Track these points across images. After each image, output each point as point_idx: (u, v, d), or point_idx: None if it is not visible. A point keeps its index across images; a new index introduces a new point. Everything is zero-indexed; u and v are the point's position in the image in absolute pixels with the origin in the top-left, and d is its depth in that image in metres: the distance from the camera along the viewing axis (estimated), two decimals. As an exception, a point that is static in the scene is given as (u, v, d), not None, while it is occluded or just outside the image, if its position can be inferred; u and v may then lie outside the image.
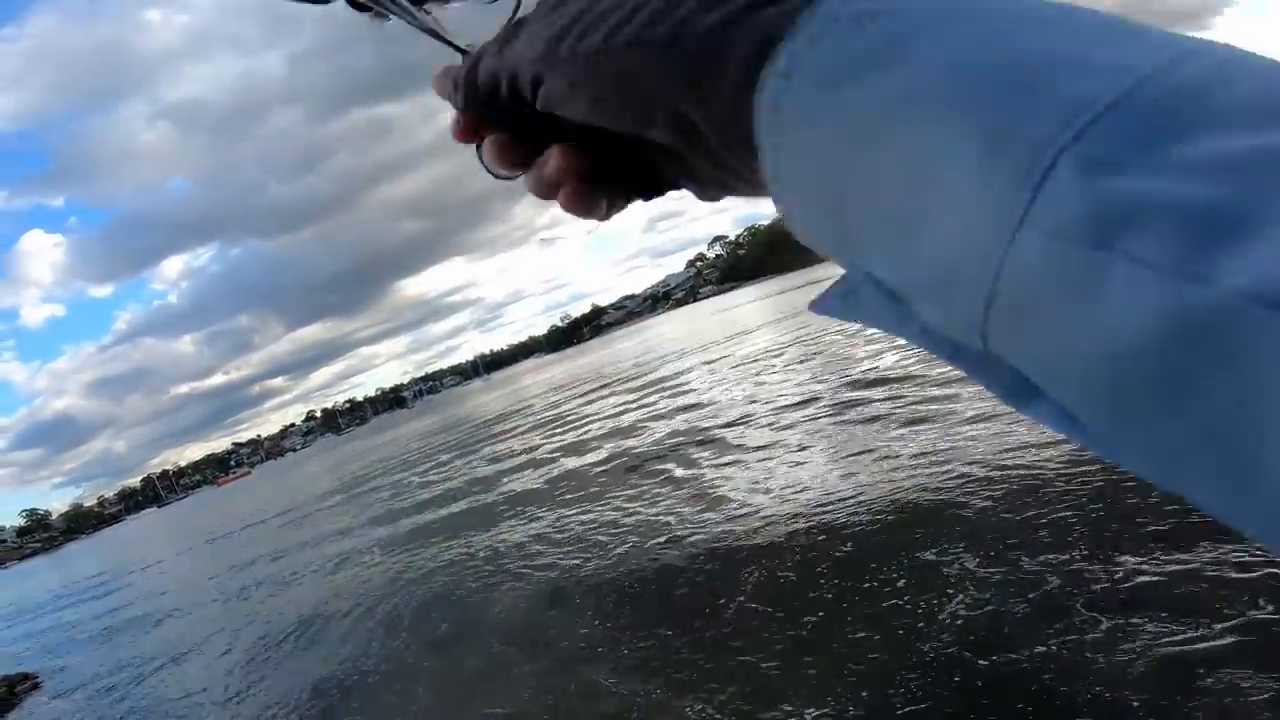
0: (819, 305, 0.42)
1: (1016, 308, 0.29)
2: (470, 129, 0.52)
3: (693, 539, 6.92)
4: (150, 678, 9.84)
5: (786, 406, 11.08)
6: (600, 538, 7.97)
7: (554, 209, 0.41)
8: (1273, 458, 0.22)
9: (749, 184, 0.45)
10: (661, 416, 14.33)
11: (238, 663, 8.87)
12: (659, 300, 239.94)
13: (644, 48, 0.41)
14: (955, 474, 6.33)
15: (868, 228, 0.34)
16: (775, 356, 17.27)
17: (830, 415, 9.76)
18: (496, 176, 0.52)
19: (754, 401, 12.45)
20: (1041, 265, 0.27)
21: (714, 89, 0.40)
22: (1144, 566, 4.27)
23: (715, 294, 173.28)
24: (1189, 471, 0.25)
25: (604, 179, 0.51)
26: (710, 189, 0.49)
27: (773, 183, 0.38)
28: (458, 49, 0.56)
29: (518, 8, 0.61)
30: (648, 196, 0.54)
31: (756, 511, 7.08)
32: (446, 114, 0.54)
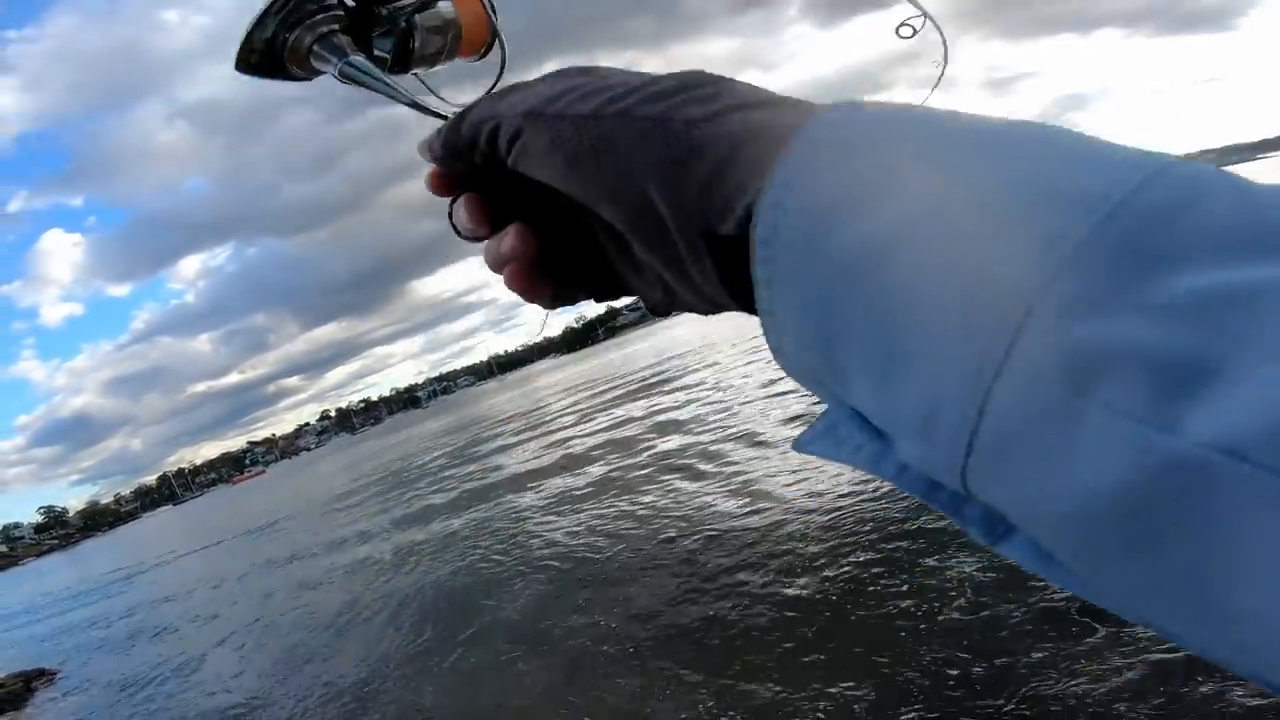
0: (801, 444, 0.42)
1: (997, 450, 0.28)
2: (445, 182, 0.52)
3: (699, 542, 6.99)
4: (165, 675, 9.87)
5: (793, 418, 11.09)
6: (602, 541, 8.03)
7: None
8: (1241, 603, 0.22)
9: (699, 294, 0.45)
10: (672, 421, 14.34)
11: (254, 662, 8.91)
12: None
13: (633, 120, 0.42)
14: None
15: (854, 367, 0.34)
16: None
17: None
18: (461, 236, 0.52)
19: (761, 405, 12.46)
20: (1021, 410, 0.27)
21: (689, 176, 0.40)
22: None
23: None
24: (1161, 612, 0.25)
25: (556, 269, 0.51)
26: (659, 294, 0.49)
27: (765, 315, 0.38)
28: (440, 117, 0.56)
29: (503, 66, 0.64)
30: (599, 297, 0.54)
31: (765, 516, 7.11)
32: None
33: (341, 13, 0.58)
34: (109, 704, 9.62)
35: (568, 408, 25.34)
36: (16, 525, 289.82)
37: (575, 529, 8.93)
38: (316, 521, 19.93)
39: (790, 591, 5.42)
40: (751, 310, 0.41)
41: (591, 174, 0.44)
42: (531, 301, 0.52)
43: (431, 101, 0.58)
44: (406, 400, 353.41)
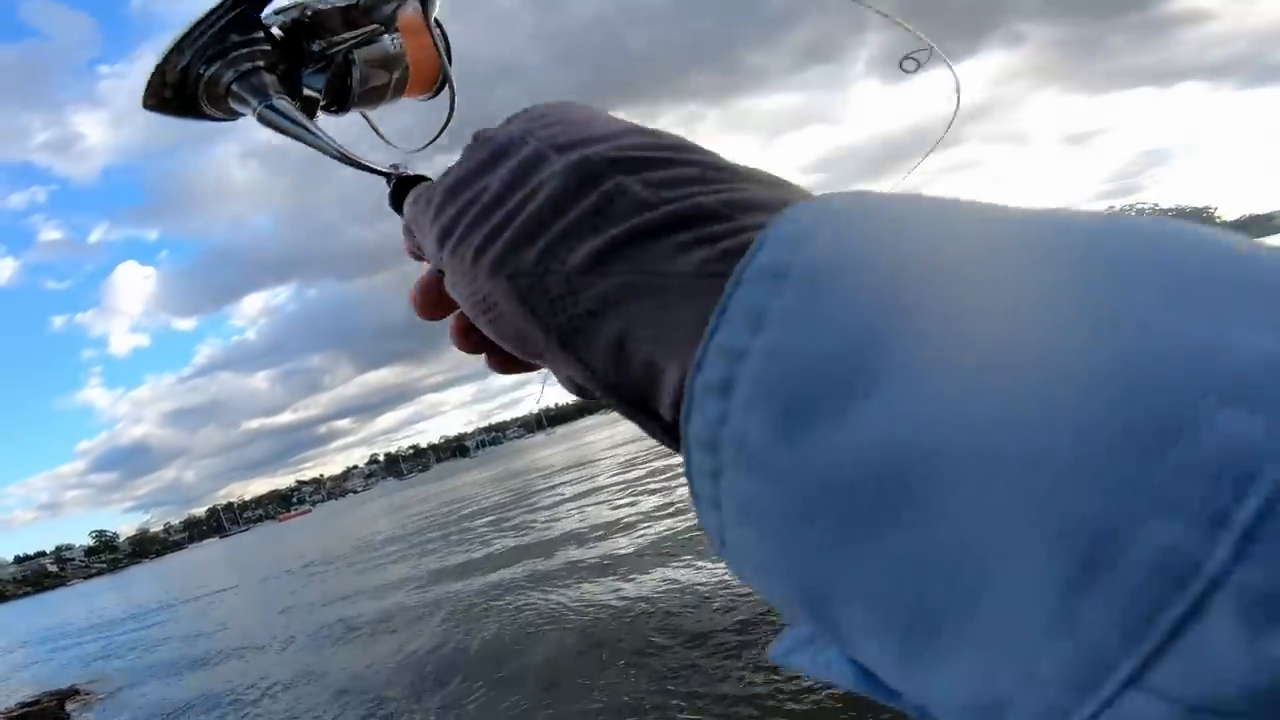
0: (779, 656, 0.28)
1: None
2: (435, 300, 0.41)
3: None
4: (199, 703, 9.83)
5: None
6: (643, 606, 7.82)
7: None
8: None
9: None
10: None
11: (288, 697, 8.84)
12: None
13: (510, 279, 0.32)
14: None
15: (853, 624, 0.22)
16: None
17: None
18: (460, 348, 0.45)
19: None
20: None
21: (590, 354, 0.31)
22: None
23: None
24: None
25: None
26: None
27: (721, 548, 0.26)
28: (377, 172, 0.47)
29: (452, 108, 0.58)
30: None
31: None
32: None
33: (268, 47, 0.50)
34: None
35: (617, 464, 25.21)
36: (69, 546, 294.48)
37: (621, 594, 8.75)
38: (358, 566, 19.93)
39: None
40: None
41: (502, 335, 0.36)
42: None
43: (392, 149, 0.55)
44: (455, 449, 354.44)
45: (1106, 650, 0.17)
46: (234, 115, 0.52)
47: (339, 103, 0.55)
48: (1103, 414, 0.17)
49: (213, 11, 0.47)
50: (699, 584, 7.81)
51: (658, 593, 7.93)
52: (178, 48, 0.48)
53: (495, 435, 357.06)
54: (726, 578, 7.54)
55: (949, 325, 0.20)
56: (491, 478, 43.43)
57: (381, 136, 0.59)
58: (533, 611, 8.80)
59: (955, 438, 0.19)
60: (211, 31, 0.47)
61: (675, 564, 8.96)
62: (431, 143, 0.57)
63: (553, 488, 24.41)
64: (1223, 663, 0.15)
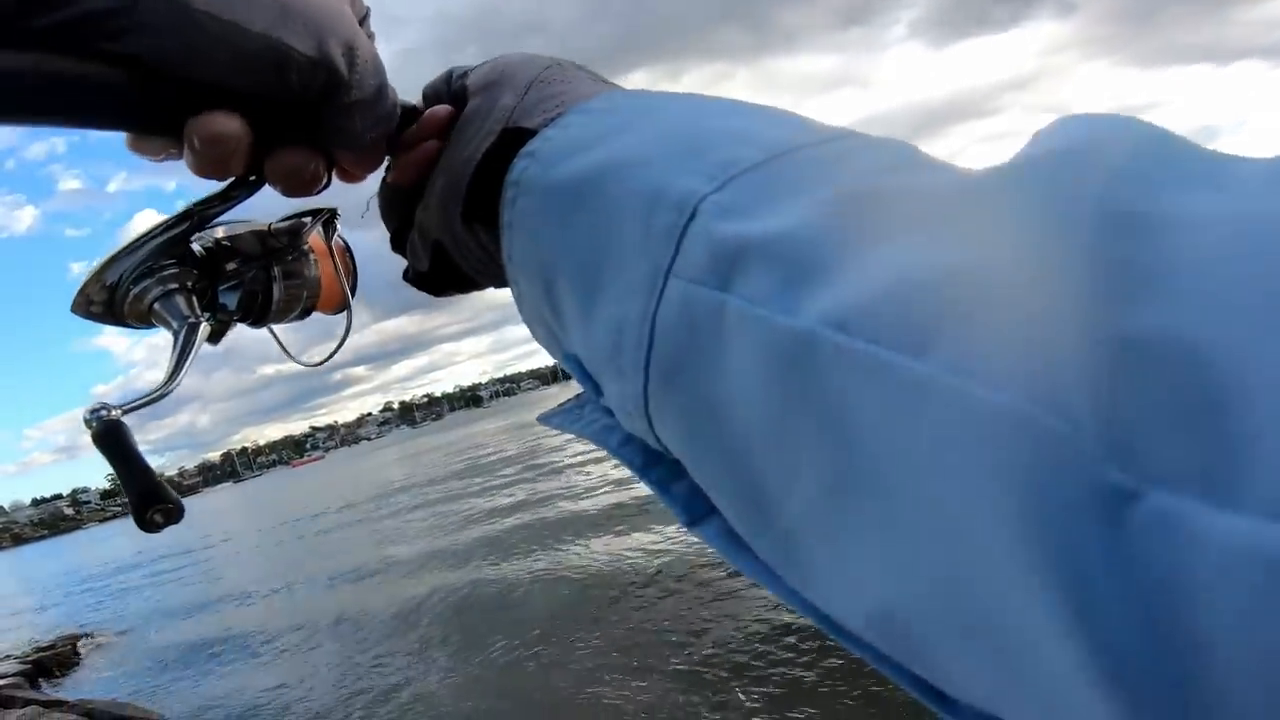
0: (544, 418, 0.46)
1: (669, 362, 0.30)
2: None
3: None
4: (209, 646, 9.85)
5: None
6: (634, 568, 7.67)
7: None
8: (866, 460, 0.23)
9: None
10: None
11: (299, 640, 8.85)
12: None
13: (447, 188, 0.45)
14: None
15: (567, 302, 0.36)
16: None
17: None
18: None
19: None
20: (681, 311, 0.29)
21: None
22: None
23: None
24: (813, 522, 0.26)
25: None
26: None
27: (507, 263, 0.40)
28: (300, 362, 0.67)
29: (347, 331, 0.64)
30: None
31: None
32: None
33: (191, 268, 0.53)
34: (152, 670, 9.68)
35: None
36: (85, 489, 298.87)
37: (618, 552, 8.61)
38: (371, 513, 19.95)
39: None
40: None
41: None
42: None
43: (294, 363, 0.67)
44: (469, 398, 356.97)
45: (656, 259, 0.30)
46: (152, 327, 0.55)
47: (256, 317, 0.58)
48: (672, 159, 0.33)
49: (147, 234, 0.50)
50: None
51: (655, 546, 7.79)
52: (110, 263, 0.50)
53: (509, 386, 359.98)
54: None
55: (638, 125, 0.36)
56: (504, 427, 43.56)
57: (287, 352, 0.66)
58: (544, 559, 8.69)
59: (603, 169, 0.34)
60: (144, 251, 0.50)
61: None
62: (330, 357, 0.65)
63: (561, 436, 24.39)
64: (699, 251, 0.29)
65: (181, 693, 8.31)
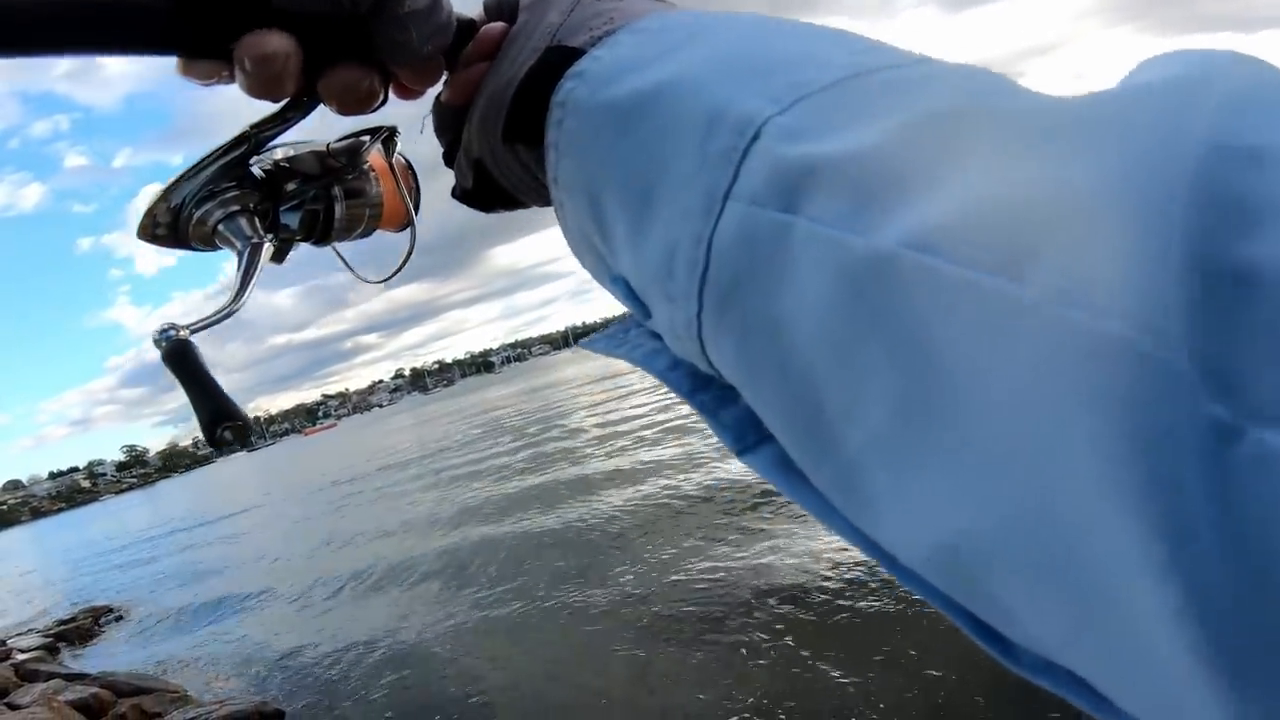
0: (588, 343, 0.45)
1: (726, 286, 0.30)
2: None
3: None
4: (230, 617, 9.88)
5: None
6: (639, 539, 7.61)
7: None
8: (952, 363, 0.22)
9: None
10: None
11: (316, 607, 8.88)
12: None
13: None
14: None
15: (616, 221, 0.36)
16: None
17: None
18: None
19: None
20: (740, 234, 0.29)
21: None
22: None
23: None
24: (883, 451, 0.25)
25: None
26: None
27: (552, 184, 0.40)
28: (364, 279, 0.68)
29: (411, 247, 0.64)
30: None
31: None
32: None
33: (252, 189, 0.55)
34: (173, 641, 9.68)
35: (641, 381, 25.09)
36: (100, 462, 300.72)
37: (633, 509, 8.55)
38: (384, 480, 19.97)
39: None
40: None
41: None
42: None
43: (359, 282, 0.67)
44: (480, 365, 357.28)
45: (713, 182, 0.30)
46: (217, 249, 0.56)
47: (319, 236, 0.59)
48: (726, 76, 0.32)
49: (207, 158, 0.51)
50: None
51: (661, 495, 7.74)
52: (172, 189, 0.52)
53: (520, 351, 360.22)
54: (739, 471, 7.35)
55: (696, 44, 0.35)
56: (516, 392, 43.65)
57: (351, 270, 0.67)
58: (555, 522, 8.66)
59: (656, 90, 0.34)
60: (204, 175, 0.51)
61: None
62: (395, 274, 0.65)
63: (574, 399, 24.43)
64: (762, 173, 0.28)
65: (202, 663, 8.33)
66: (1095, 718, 0.24)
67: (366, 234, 0.62)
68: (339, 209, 0.58)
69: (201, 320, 0.52)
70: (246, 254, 0.53)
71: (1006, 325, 0.21)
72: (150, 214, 0.53)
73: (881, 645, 4.41)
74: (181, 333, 0.50)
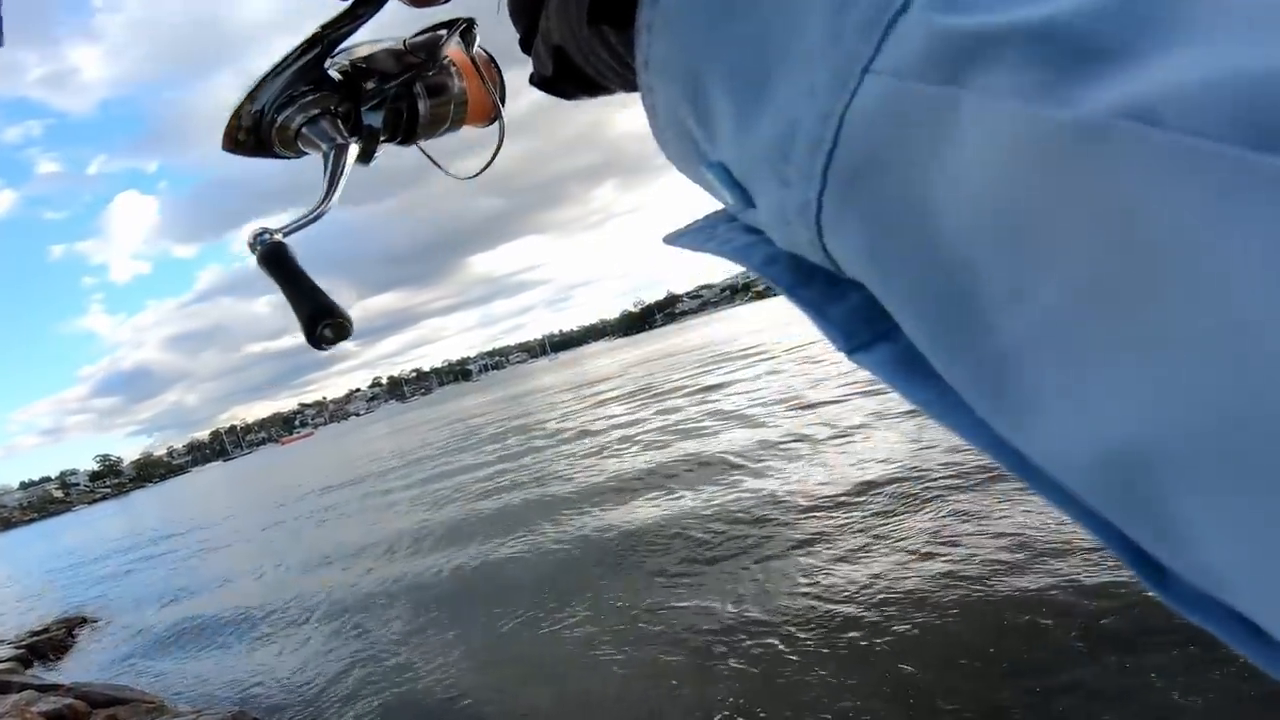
0: (672, 238, 0.42)
1: (857, 166, 0.27)
2: None
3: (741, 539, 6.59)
4: (203, 627, 9.84)
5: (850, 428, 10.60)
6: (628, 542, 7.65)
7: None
8: (1162, 242, 0.19)
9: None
10: (725, 417, 13.87)
11: (296, 621, 8.81)
12: (737, 291, 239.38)
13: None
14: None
15: (720, 102, 0.33)
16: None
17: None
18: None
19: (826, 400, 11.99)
20: (886, 109, 0.26)
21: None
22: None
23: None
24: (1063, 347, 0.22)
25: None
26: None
27: (641, 69, 0.37)
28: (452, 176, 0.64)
29: (501, 140, 0.62)
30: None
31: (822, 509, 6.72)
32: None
33: (331, 91, 0.54)
34: (149, 651, 9.64)
35: (617, 389, 25.11)
36: (73, 472, 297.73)
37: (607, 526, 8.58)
38: (359, 490, 19.91)
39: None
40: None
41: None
42: None
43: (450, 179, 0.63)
44: (457, 373, 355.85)
45: (847, 56, 0.27)
46: (302, 154, 0.56)
47: (404, 135, 0.58)
48: None
49: (281, 63, 0.50)
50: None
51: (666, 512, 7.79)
52: (251, 96, 0.51)
53: (498, 360, 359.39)
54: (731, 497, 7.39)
55: None
56: (493, 400, 43.58)
57: (439, 166, 0.64)
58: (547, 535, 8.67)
59: None
60: (280, 81, 0.51)
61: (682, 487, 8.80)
62: (486, 168, 0.63)
63: (553, 407, 24.43)
64: (916, 44, 0.25)
65: (178, 673, 8.29)
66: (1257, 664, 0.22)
67: (453, 129, 0.61)
68: (422, 106, 0.57)
69: (294, 222, 0.52)
70: (331, 156, 0.53)
71: (1252, 199, 0.18)
72: (235, 118, 0.52)
73: (868, 657, 4.47)
74: (276, 235, 0.50)
